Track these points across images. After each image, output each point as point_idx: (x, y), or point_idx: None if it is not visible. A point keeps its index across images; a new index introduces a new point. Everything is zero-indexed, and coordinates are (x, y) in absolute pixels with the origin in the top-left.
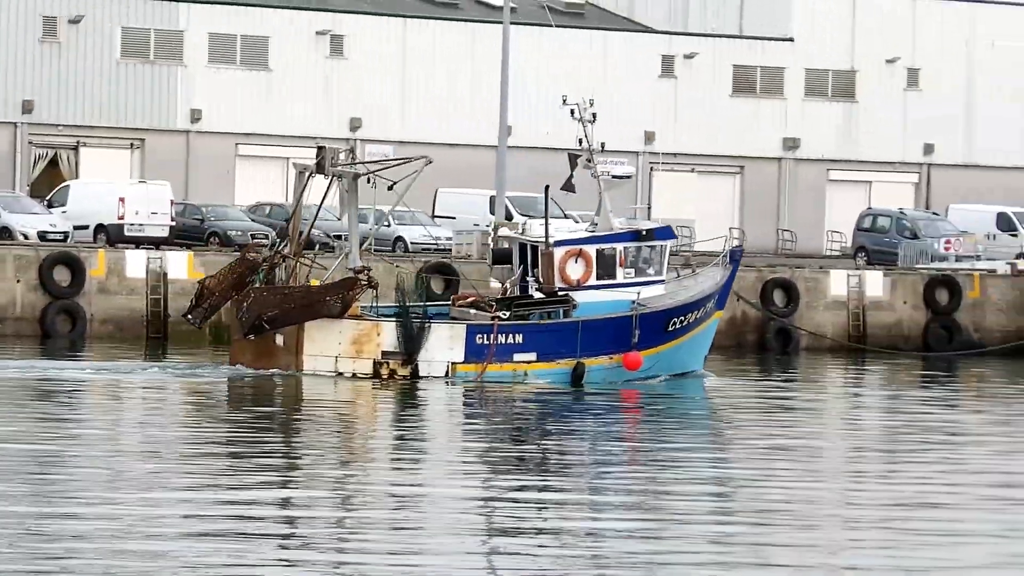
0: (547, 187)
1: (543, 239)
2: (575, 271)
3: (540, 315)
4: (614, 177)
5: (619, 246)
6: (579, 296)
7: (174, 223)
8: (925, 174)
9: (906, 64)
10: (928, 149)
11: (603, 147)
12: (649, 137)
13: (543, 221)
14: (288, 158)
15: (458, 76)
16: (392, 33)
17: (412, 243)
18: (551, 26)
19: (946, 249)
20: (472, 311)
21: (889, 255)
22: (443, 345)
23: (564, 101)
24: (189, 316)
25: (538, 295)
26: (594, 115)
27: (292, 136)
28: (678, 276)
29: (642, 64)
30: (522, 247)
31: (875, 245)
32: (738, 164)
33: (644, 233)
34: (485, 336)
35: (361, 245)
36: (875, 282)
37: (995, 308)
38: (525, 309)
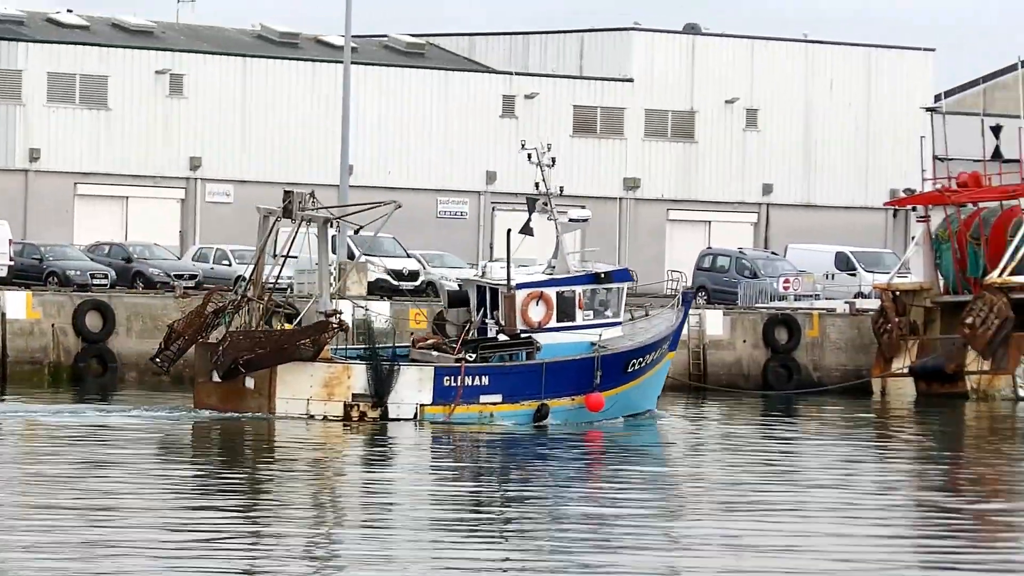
0: (509, 231)
1: (504, 282)
2: (536, 313)
3: (502, 357)
4: (571, 220)
5: (578, 289)
6: (539, 338)
7: (12, 263)
8: (764, 214)
9: (745, 105)
10: (767, 189)
11: (561, 191)
12: (490, 177)
13: (503, 264)
14: (127, 197)
15: (299, 115)
16: (232, 72)
17: None
18: (391, 66)
19: (784, 288)
20: (434, 353)
21: (729, 294)
22: (412, 387)
23: (523, 146)
24: (157, 360)
25: (502, 337)
26: (553, 160)
27: (131, 175)
28: (632, 318)
29: (483, 104)
30: (481, 289)
31: (715, 284)
32: (579, 204)
33: (602, 276)
34: (453, 378)
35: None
36: (715, 321)
37: (834, 347)
38: (491, 351)
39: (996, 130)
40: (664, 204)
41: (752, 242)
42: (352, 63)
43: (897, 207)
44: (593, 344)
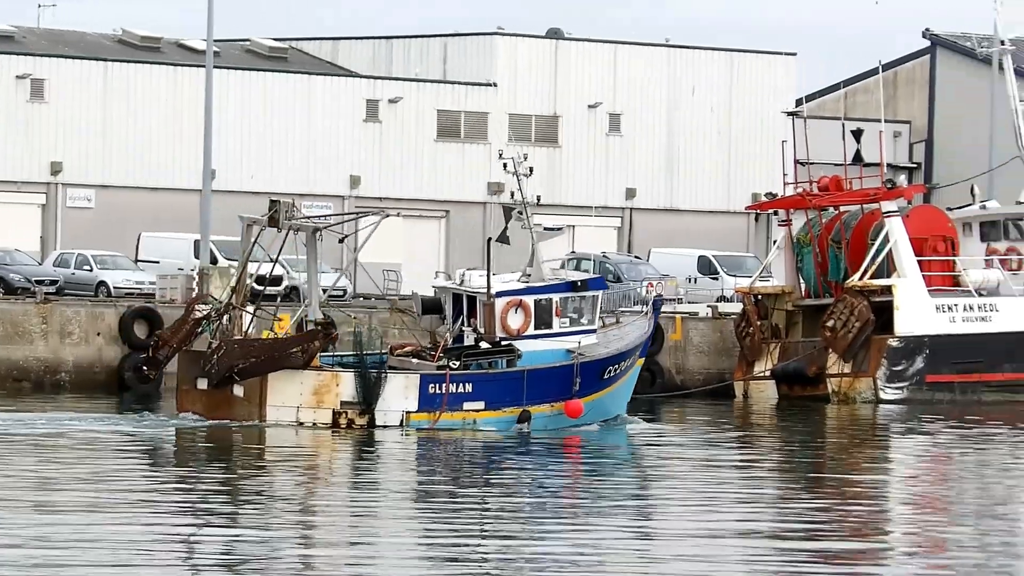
0: (489, 239)
1: (483, 290)
2: (515, 321)
3: (481, 364)
4: (546, 229)
5: (555, 296)
6: (518, 346)
7: None
8: (627, 218)
9: (608, 109)
10: (630, 194)
11: (538, 200)
12: (355, 181)
13: (482, 272)
14: None
15: (161, 120)
16: (93, 77)
17: (115, 287)
18: (254, 70)
19: (648, 291)
20: (414, 360)
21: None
22: (398, 395)
23: (500, 155)
24: (144, 368)
25: (484, 345)
26: (531, 169)
27: None
28: (603, 325)
29: (347, 108)
30: (457, 297)
31: None
32: (443, 208)
33: (579, 284)
34: (437, 386)
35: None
36: None
37: (696, 350)
38: (474, 359)
39: (857, 134)
40: (529, 208)
41: (616, 246)
42: (214, 67)
43: (759, 211)
44: (570, 351)
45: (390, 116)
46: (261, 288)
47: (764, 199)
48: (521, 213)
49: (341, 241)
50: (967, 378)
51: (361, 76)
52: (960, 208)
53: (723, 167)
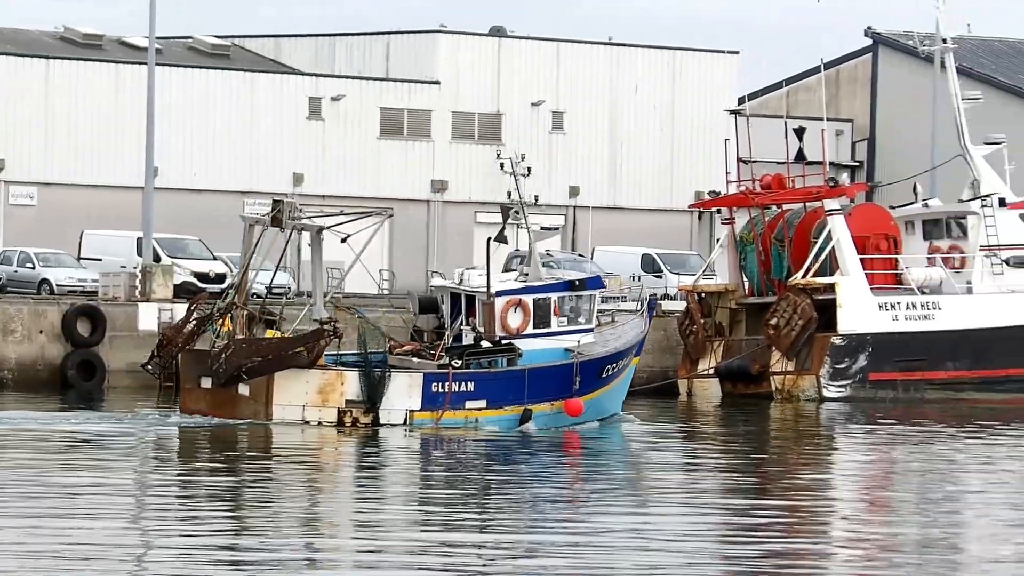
0: (489, 239)
1: (483, 289)
2: (514, 320)
3: (481, 363)
4: (543, 229)
5: (554, 296)
6: (517, 344)
7: None
8: (571, 216)
9: (551, 107)
10: (573, 192)
11: (536, 200)
12: (298, 179)
13: (482, 272)
14: None
15: (103, 117)
16: (35, 74)
17: (58, 285)
18: (196, 67)
19: None
20: (414, 359)
21: None
22: (402, 393)
23: (498, 155)
24: (149, 367)
25: (485, 344)
26: (528, 169)
27: None
28: (599, 324)
29: (289, 106)
30: (455, 296)
31: None
32: (387, 206)
33: (576, 283)
34: (440, 384)
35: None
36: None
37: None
38: (476, 358)
39: (799, 132)
40: (472, 206)
41: (559, 244)
42: (156, 64)
43: (702, 209)
44: (567, 350)
45: (333, 114)
46: (203, 287)
47: (707, 197)
48: (519, 213)
49: (343, 241)
50: (910, 376)
51: (304, 74)
52: (902, 206)
53: (666, 165)
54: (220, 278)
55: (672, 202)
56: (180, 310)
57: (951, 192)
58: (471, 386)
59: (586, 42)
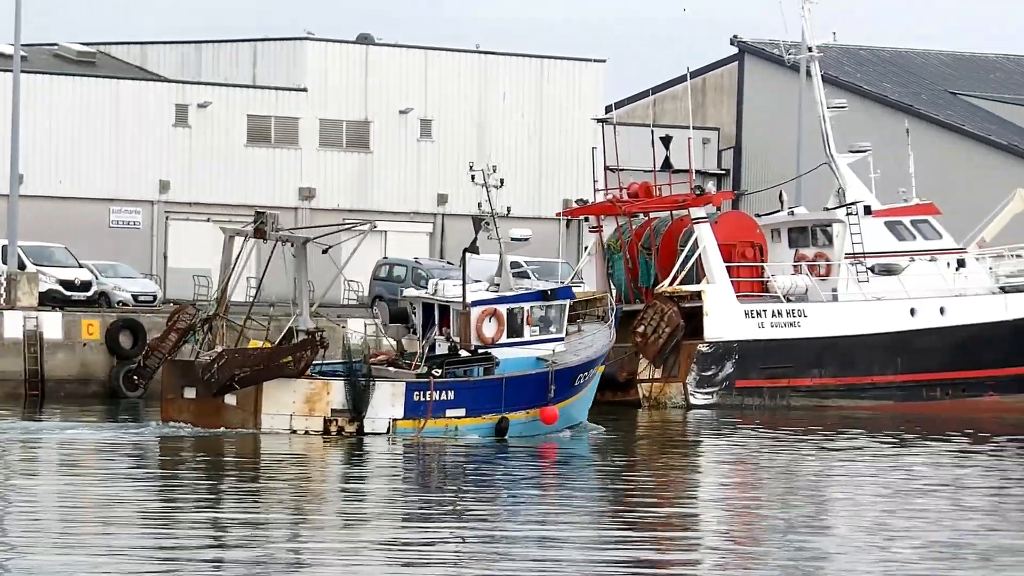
0: (465, 250)
1: (458, 299)
2: (489, 329)
3: (456, 372)
4: (513, 240)
5: (526, 305)
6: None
7: None
8: (439, 224)
9: (419, 115)
10: (442, 199)
11: (508, 211)
12: (164, 186)
13: (456, 282)
14: None
15: None
16: None
17: None
18: (62, 74)
19: None
20: (390, 368)
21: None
22: (385, 402)
23: (471, 167)
24: (135, 376)
25: (464, 353)
26: (501, 180)
27: None
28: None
29: (156, 113)
30: (428, 306)
31: (391, 294)
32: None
33: (548, 293)
34: (422, 393)
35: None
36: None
37: None
38: (455, 367)
39: (666, 141)
40: (340, 214)
41: (428, 252)
42: (22, 72)
43: (570, 217)
44: (539, 359)
45: (200, 121)
46: (68, 294)
47: (575, 205)
48: (489, 224)
49: (325, 252)
50: (776, 383)
51: (170, 81)
52: (769, 214)
53: (534, 173)
54: (86, 286)
55: (540, 210)
56: (46, 318)
57: (817, 200)
58: (451, 395)
59: (454, 50)
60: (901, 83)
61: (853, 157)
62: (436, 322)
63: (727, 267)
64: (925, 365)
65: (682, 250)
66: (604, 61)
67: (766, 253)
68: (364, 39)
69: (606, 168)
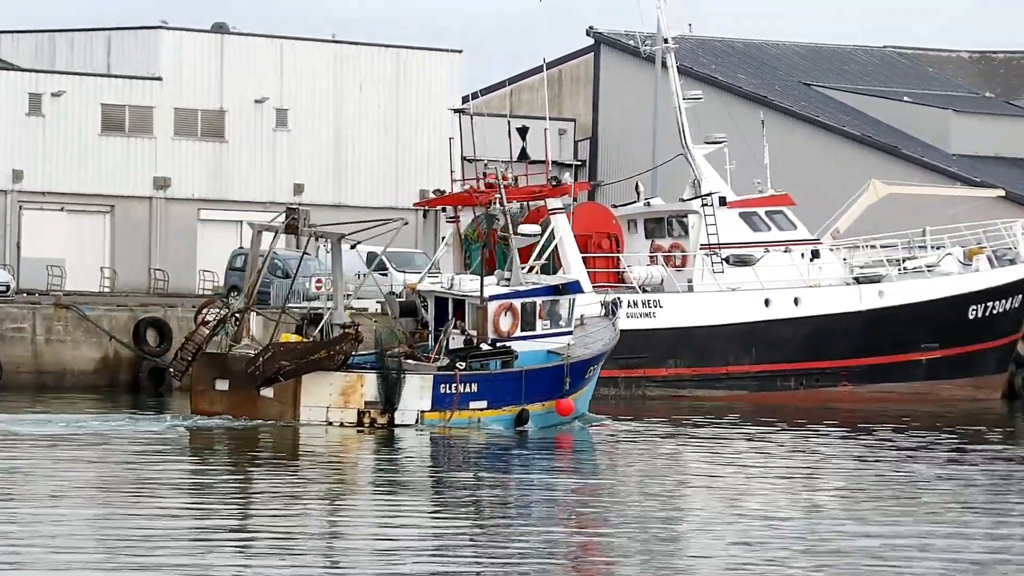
0: (484, 245)
1: (474, 294)
2: (505, 323)
3: (474, 365)
4: (522, 235)
5: (539, 300)
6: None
7: None
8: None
9: (275, 104)
10: (298, 189)
11: (522, 208)
12: (17, 175)
13: (472, 277)
14: None
15: None
16: None
17: None
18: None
19: (317, 289)
20: (409, 361)
21: (261, 294)
22: (414, 394)
23: (485, 165)
24: (171, 369)
25: (485, 347)
26: (515, 179)
27: None
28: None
29: (8, 102)
30: (441, 300)
31: None
32: (108, 203)
33: (559, 288)
34: (449, 386)
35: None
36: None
37: (366, 346)
38: (478, 360)
39: (522, 131)
40: (195, 203)
41: (284, 242)
42: None
43: (427, 207)
44: (550, 352)
45: (53, 110)
46: None
47: (432, 196)
48: (498, 219)
49: (353, 247)
50: (631, 373)
51: (23, 70)
52: (625, 205)
53: (391, 163)
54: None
55: (397, 200)
56: None
57: (673, 191)
58: (475, 387)
59: (310, 39)
60: (756, 75)
61: (708, 148)
62: (451, 316)
63: (583, 257)
64: (779, 355)
65: (539, 240)
66: (460, 52)
67: (622, 244)
68: (219, 28)
69: (463, 158)
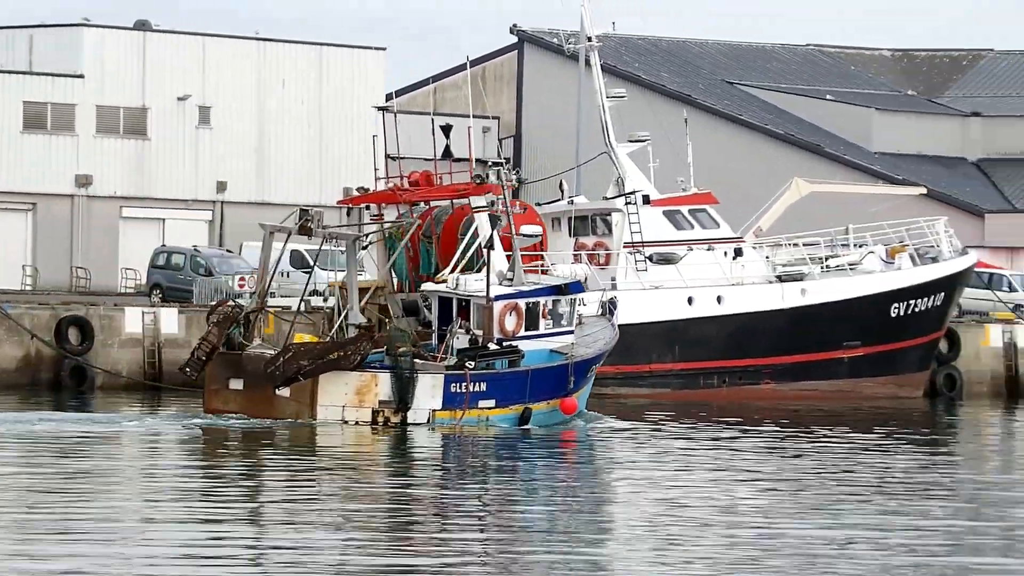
0: (485, 246)
1: (479, 294)
2: (510, 323)
3: (479, 364)
4: (523, 236)
5: (543, 300)
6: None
7: None
8: (219, 212)
9: (197, 102)
10: (221, 187)
11: (526, 210)
12: None
13: (478, 277)
14: None
15: None
16: None
17: None
18: None
19: (240, 286)
20: (417, 361)
21: (184, 292)
22: (426, 393)
23: (490, 165)
24: (187, 369)
25: (492, 346)
26: (519, 180)
27: None
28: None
29: None
30: (445, 300)
31: (170, 282)
32: (30, 201)
33: (562, 288)
34: (459, 385)
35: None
36: (170, 319)
37: None
38: (486, 359)
39: (446, 129)
40: (117, 201)
41: (207, 240)
42: None
43: (351, 205)
44: (553, 352)
45: None
46: None
47: (356, 193)
48: (500, 220)
49: (364, 248)
50: None
51: None
52: (549, 203)
53: (314, 161)
54: None
55: (321, 198)
56: None
57: (596, 189)
58: (483, 386)
59: (233, 36)
60: (680, 73)
61: (632, 146)
62: (455, 316)
63: (507, 256)
64: (703, 353)
65: (462, 239)
66: (384, 49)
67: (546, 242)
68: (142, 25)
69: (387, 156)
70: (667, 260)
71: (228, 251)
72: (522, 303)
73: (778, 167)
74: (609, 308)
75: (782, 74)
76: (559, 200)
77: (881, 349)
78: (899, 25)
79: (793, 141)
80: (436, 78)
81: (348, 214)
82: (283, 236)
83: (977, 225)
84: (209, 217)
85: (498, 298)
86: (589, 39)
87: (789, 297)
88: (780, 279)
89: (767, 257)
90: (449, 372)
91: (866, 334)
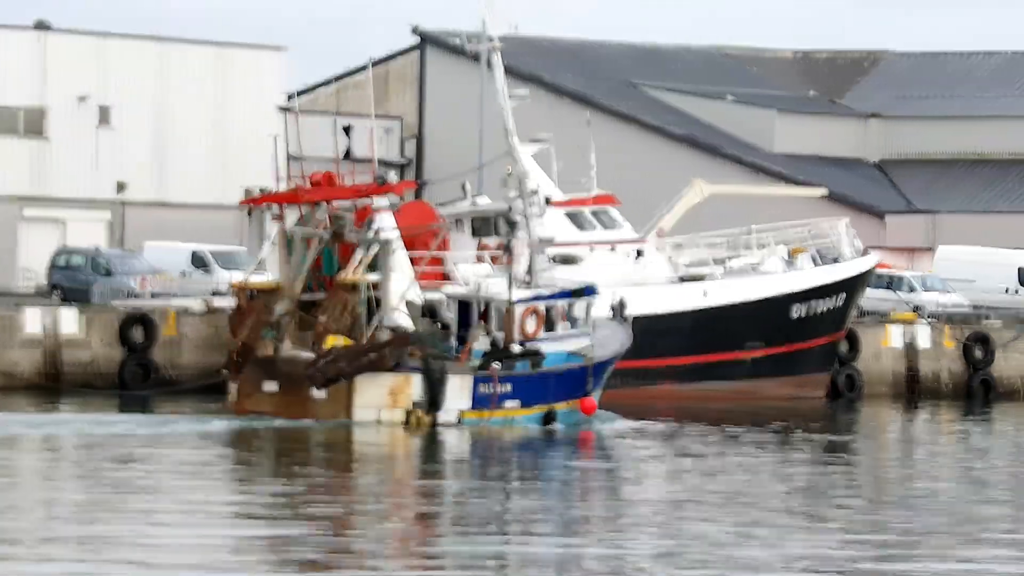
0: (504, 248)
1: (500, 297)
2: (530, 325)
3: (507, 365)
4: (540, 240)
5: (561, 303)
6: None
7: None
8: (119, 212)
9: (97, 102)
10: (121, 187)
11: (539, 213)
12: None
13: (499, 280)
14: None
15: None
16: None
17: None
18: None
19: (141, 287)
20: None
21: (83, 292)
22: (455, 394)
23: (509, 172)
24: (225, 370)
25: (515, 348)
26: (535, 191)
27: None
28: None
29: None
30: (465, 303)
31: (70, 283)
32: None
33: (578, 291)
34: (487, 386)
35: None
36: (70, 320)
37: (191, 345)
38: (511, 361)
39: (348, 130)
40: (16, 202)
41: (107, 240)
42: None
43: (252, 206)
44: (571, 354)
45: None
46: None
47: (257, 194)
48: (516, 225)
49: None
50: None
51: None
52: (451, 203)
53: (215, 161)
54: None
55: (222, 198)
56: None
57: (499, 190)
58: (509, 387)
59: (132, 36)
60: (582, 74)
61: (535, 147)
62: (476, 318)
63: (409, 256)
64: None
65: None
66: (284, 49)
67: (447, 243)
68: (40, 25)
69: (288, 156)
70: (569, 261)
71: (129, 251)
72: (542, 306)
73: (680, 169)
74: (620, 310)
75: (685, 76)
76: (462, 200)
77: (782, 350)
78: (801, 26)
79: (694, 143)
80: (338, 78)
81: (249, 214)
82: (315, 241)
83: (878, 226)
84: (109, 217)
85: (518, 302)
86: (491, 40)
87: (691, 298)
88: (682, 280)
89: (669, 258)
90: (477, 373)
91: (767, 335)
